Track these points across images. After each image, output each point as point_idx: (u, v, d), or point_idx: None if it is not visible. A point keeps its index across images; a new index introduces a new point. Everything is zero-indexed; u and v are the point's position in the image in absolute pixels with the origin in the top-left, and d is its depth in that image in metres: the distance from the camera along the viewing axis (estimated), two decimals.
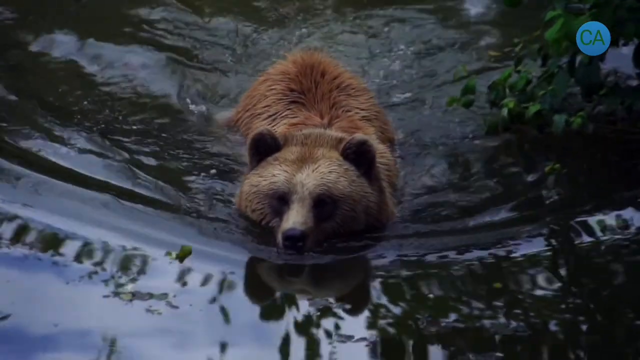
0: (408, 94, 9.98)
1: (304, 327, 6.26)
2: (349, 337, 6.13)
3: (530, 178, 8.25)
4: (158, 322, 6.19)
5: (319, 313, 6.40)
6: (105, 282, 6.53)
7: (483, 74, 10.01)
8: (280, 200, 7.10)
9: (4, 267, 6.65)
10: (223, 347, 6.06)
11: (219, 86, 10.17)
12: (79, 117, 9.12)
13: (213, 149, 8.54)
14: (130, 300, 6.38)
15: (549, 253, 7.11)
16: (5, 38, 10.87)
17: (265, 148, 7.28)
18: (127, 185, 7.83)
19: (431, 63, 10.75)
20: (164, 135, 8.86)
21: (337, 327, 6.26)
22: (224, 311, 6.43)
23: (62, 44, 10.75)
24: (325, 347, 6.05)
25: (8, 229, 7.03)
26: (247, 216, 7.35)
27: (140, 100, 9.65)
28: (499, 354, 5.95)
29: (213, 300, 6.50)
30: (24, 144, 8.34)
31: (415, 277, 6.82)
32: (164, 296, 6.41)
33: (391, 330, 6.25)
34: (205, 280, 6.70)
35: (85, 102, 9.45)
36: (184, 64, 10.60)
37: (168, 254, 6.91)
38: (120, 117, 9.18)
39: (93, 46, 10.70)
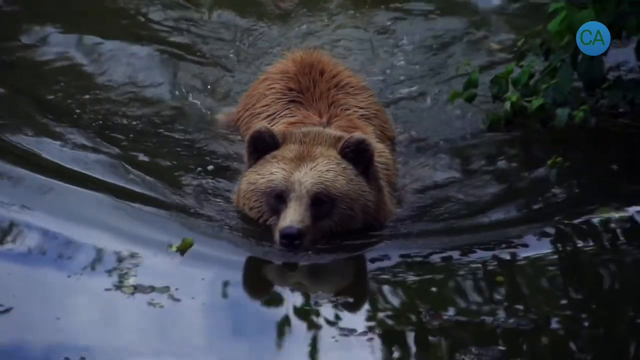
0: (412, 89, 9.95)
1: (306, 320, 6.26)
2: (352, 331, 6.13)
3: (532, 173, 8.24)
4: (160, 315, 6.19)
5: (321, 307, 6.40)
6: (107, 275, 6.52)
7: (489, 69, 9.96)
8: (278, 199, 7.08)
9: (6, 260, 6.65)
10: (225, 340, 6.06)
11: (219, 83, 10.13)
12: (76, 114, 9.07)
13: (213, 148, 8.51)
14: (132, 294, 6.38)
15: (551, 248, 7.09)
16: None
17: (263, 146, 7.26)
18: (124, 182, 7.80)
19: (437, 58, 10.71)
20: (162, 133, 8.83)
21: (339, 321, 6.26)
22: (225, 305, 6.43)
23: (58, 39, 10.68)
24: (327, 341, 6.05)
25: (9, 224, 7.02)
26: (245, 214, 7.33)
27: (138, 97, 9.59)
28: (501, 348, 5.95)
29: (215, 293, 6.50)
30: (22, 141, 8.31)
31: (418, 271, 6.82)
32: (165, 289, 6.41)
33: (393, 324, 6.24)
34: (207, 274, 6.69)
35: (82, 99, 9.39)
36: (184, 59, 10.54)
37: (169, 246, 6.91)
38: (118, 114, 9.14)
39: (90, 41, 10.64)
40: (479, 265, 6.85)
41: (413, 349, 5.99)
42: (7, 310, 6.11)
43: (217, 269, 6.78)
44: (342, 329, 6.15)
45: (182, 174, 7.99)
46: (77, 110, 9.14)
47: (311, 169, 7.10)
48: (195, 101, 9.61)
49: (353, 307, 6.40)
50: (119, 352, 5.88)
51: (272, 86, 8.33)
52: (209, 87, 10.00)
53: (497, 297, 6.50)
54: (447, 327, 6.15)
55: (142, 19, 11.46)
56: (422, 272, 6.79)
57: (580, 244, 7.13)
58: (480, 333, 6.12)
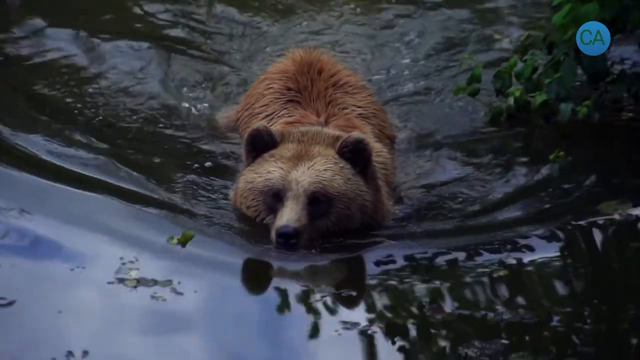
0: (417, 85, 9.93)
1: (309, 314, 6.26)
2: (354, 324, 6.12)
3: (535, 168, 8.23)
4: (162, 308, 6.19)
5: (324, 300, 6.39)
6: (110, 268, 6.52)
7: (495, 66, 9.91)
8: (275, 197, 7.06)
9: (9, 253, 6.65)
10: (227, 333, 6.06)
11: (220, 81, 10.09)
12: (73, 111, 9.05)
13: (212, 146, 8.49)
14: (135, 287, 6.38)
15: (554, 244, 7.08)
16: None
17: (261, 144, 7.25)
18: (120, 180, 7.78)
19: (444, 54, 10.68)
20: (160, 132, 8.79)
21: (341, 314, 6.26)
22: (228, 298, 6.43)
23: (54, 34, 10.63)
24: (329, 334, 6.04)
25: (10, 219, 7.03)
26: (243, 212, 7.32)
27: (136, 94, 9.53)
28: (504, 342, 5.94)
29: (217, 287, 6.50)
30: (20, 139, 8.29)
31: (421, 267, 6.82)
32: (168, 283, 6.41)
33: (396, 317, 6.24)
34: (210, 268, 6.69)
35: (79, 96, 9.36)
36: (185, 55, 10.50)
37: (170, 238, 6.91)
38: (116, 112, 9.09)
39: (87, 37, 10.59)
40: (483, 261, 6.84)
41: (416, 342, 5.99)
42: (10, 304, 6.11)
43: (219, 263, 6.78)
44: (344, 322, 6.14)
45: (181, 173, 7.96)
46: (75, 108, 9.11)
47: (309, 168, 7.08)
48: (195, 100, 9.57)
49: (355, 301, 6.40)
50: (122, 345, 5.88)
51: (270, 86, 8.32)
52: (209, 85, 9.96)
53: (500, 291, 6.49)
54: (449, 321, 6.15)
55: (141, 13, 11.40)
56: (425, 268, 6.79)
57: (582, 240, 7.11)
58: (483, 327, 6.11)
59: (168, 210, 7.35)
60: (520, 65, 8.81)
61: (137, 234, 6.96)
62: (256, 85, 8.59)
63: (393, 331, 6.07)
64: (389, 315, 6.26)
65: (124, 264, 6.58)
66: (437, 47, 10.86)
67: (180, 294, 6.33)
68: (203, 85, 9.92)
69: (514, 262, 6.83)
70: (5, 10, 11.21)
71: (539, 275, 6.68)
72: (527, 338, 6.00)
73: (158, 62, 10.25)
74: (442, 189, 7.92)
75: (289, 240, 6.88)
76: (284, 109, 8.10)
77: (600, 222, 7.33)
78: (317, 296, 6.43)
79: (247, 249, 7.02)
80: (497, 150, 8.62)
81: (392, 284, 6.59)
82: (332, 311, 6.31)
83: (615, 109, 8.75)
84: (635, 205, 7.44)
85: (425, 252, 6.93)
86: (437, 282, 6.59)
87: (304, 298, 6.41)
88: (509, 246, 7.00)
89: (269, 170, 7.12)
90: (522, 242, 7.07)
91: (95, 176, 7.78)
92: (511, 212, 7.59)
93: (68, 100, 9.32)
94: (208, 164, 8.15)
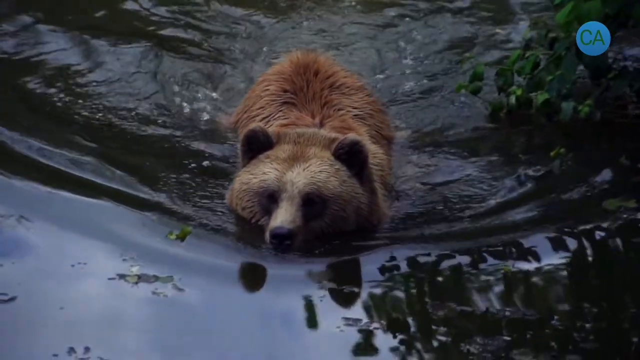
0: (418, 85, 9.91)
1: (311, 310, 6.25)
2: (357, 321, 6.12)
3: (537, 166, 8.21)
4: (163, 304, 6.19)
5: (326, 297, 6.39)
6: (111, 264, 6.52)
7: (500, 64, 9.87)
8: (270, 199, 7.05)
9: (10, 249, 6.65)
10: (228, 330, 6.06)
11: (221, 81, 10.05)
12: (66, 110, 9.01)
13: (211, 148, 8.46)
14: (136, 283, 6.38)
15: (557, 241, 7.07)
16: None
17: (257, 145, 7.23)
18: (113, 183, 7.77)
19: (448, 54, 10.65)
20: (159, 132, 8.77)
21: (344, 311, 6.25)
22: (229, 294, 6.43)
23: (47, 33, 10.55)
24: (332, 331, 6.04)
25: (12, 213, 7.03)
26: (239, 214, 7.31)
27: (134, 95, 9.48)
28: (506, 338, 5.94)
29: (218, 283, 6.50)
30: (14, 140, 8.27)
31: (423, 262, 6.80)
32: (169, 279, 6.41)
33: (399, 314, 6.23)
34: (211, 263, 6.69)
35: (74, 96, 9.30)
36: (186, 54, 10.44)
37: (169, 234, 6.91)
38: (112, 112, 9.04)
39: (80, 36, 10.49)
40: (486, 259, 6.84)
41: (418, 339, 5.98)
42: (12, 299, 6.12)
43: (221, 259, 6.78)
44: (346, 318, 6.14)
45: (182, 173, 7.94)
46: (67, 106, 9.05)
47: (304, 169, 7.06)
48: (195, 100, 9.52)
49: (357, 297, 6.40)
50: (123, 341, 5.88)
51: (267, 88, 8.30)
52: (209, 84, 9.91)
53: (502, 288, 6.48)
54: (451, 317, 6.14)
55: (136, 10, 11.29)
56: (427, 267, 6.77)
57: (584, 238, 7.10)
58: (485, 323, 6.11)
59: (166, 210, 7.33)
60: (522, 61, 8.80)
61: (139, 231, 6.96)
62: (255, 87, 8.58)
63: (395, 327, 6.07)
64: (390, 311, 6.25)
65: (125, 260, 6.58)
66: (444, 46, 10.83)
67: (181, 290, 6.33)
68: (202, 85, 9.87)
69: (516, 260, 6.82)
70: None
71: (540, 273, 6.67)
72: (528, 335, 6.00)
73: (155, 60, 10.18)
74: (444, 188, 7.91)
75: (283, 242, 6.85)
76: (280, 111, 8.08)
77: (603, 220, 7.33)
78: (319, 293, 6.43)
79: (249, 248, 7.01)
80: (499, 149, 8.62)
81: (394, 282, 6.59)
82: (333, 308, 6.30)
83: (617, 106, 8.74)
84: (638, 202, 7.44)
85: (429, 254, 6.91)
86: (439, 279, 6.59)
87: (306, 295, 6.41)
88: (511, 245, 7.00)
89: (264, 172, 7.10)
90: (524, 240, 7.06)
91: (88, 178, 7.75)
92: (514, 211, 7.58)
93: (60, 98, 9.25)
94: (206, 163, 8.13)
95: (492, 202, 7.71)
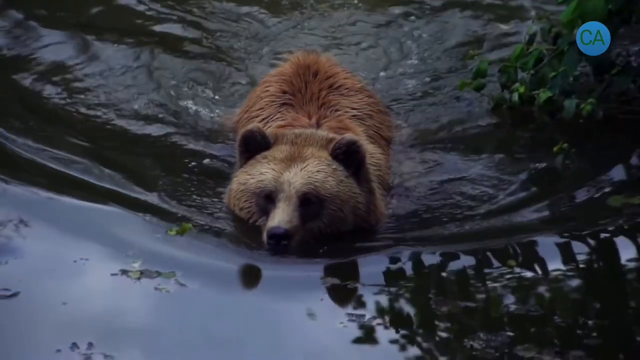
0: (421, 84, 9.90)
1: (315, 306, 6.25)
2: (360, 317, 6.11)
3: (541, 162, 8.21)
4: (166, 300, 6.19)
5: (329, 292, 6.38)
6: (113, 260, 6.52)
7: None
8: (267, 199, 7.03)
9: (13, 244, 6.66)
10: (231, 325, 6.05)
11: (223, 78, 10.02)
12: (61, 109, 8.99)
13: (215, 150, 8.46)
14: (138, 279, 6.38)
15: (561, 235, 7.06)
16: None
17: (254, 145, 7.22)
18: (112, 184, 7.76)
19: (455, 52, 10.63)
20: (159, 133, 8.75)
21: (347, 306, 6.25)
22: (232, 290, 6.43)
23: (41, 30, 10.45)
24: (335, 327, 6.03)
25: (14, 208, 7.03)
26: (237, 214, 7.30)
27: (132, 94, 9.44)
28: (510, 334, 5.93)
29: (220, 278, 6.49)
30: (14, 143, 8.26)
31: (427, 259, 6.80)
32: (171, 274, 6.40)
33: (402, 309, 6.23)
34: (214, 259, 6.69)
35: (71, 96, 9.26)
36: (187, 53, 10.39)
37: (169, 230, 6.92)
38: (110, 113, 9.03)
39: (75, 33, 10.42)
40: (491, 249, 6.83)
41: (421, 335, 5.98)
42: (14, 295, 6.12)
43: (222, 254, 6.78)
44: (349, 314, 6.13)
45: (181, 174, 7.93)
46: (64, 106, 9.04)
47: (301, 169, 7.05)
48: (196, 100, 9.50)
49: (360, 293, 6.39)
50: (126, 337, 5.88)
51: (267, 89, 8.29)
52: (210, 84, 9.87)
53: (506, 284, 6.47)
54: (455, 313, 6.14)
55: (133, 7, 11.22)
56: (431, 261, 6.77)
57: (588, 234, 7.09)
58: (488, 319, 6.10)
59: (166, 209, 7.33)
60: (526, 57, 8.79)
61: (141, 226, 6.96)
62: (256, 88, 8.58)
63: (398, 323, 6.06)
64: (393, 307, 6.25)
65: (127, 255, 6.58)
66: (451, 44, 10.80)
67: (184, 285, 6.32)
68: (202, 84, 9.83)
69: (519, 256, 6.82)
70: None
71: (543, 269, 6.66)
72: (532, 330, 5.99)
73: (155, 59, 10.13)
74: (447, 187, 7.90)
75: (280, 242, 6.83)
76: (279, 112, 8.07)
77: (607, 216, 7.32)
78: (322, 288, 6.42)
79: (249, 246, 7.00)
80: (502, 146, 8.60)
81: (398, 278, 6.59)
82: (337, 303, 6.30)
83: (621, 102, 8.73)
84: None
85: (433, 252, 6.90)
86: (444, 275, 6.58)
87: (308, 291, 6.41)
88: (514, 242, 6.99)
89: (261, 172, 7.09)
90: (528, 237, 7.05)
91: (88, 179, 7.75)
92: (517, 207, 7.58)
93: (54, 96, 9.21)
94: (206, 161, 8.13)
95: (496, 200, 7.70)
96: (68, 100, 9.17)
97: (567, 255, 6.83)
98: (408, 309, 6.24)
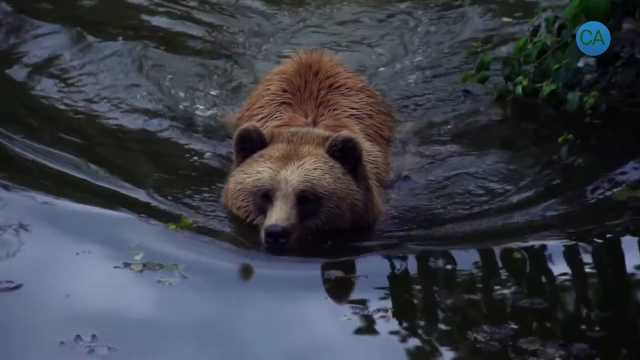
0: (424, 78, 9.88)
1: (319, 298, 6.25)
2: (364, 309, 6.11)
3: (545, 154, 8.20)
4: (168, 292, 6.18)
5: (333, 284, 6.37)
6: (116, 253, 6.52)
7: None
8: (265, 198, 7.01)
9: (15, 237, 6.65)
10: (234, 317, 6.05)
11: (225, 76, 9.99)
12: (59, 110, 8.97)
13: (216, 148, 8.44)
14: (141, 271, 6.38)
15: (564, 229, 7.06)
16: None
17: (250, 144, 7.21)
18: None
19: (460, 47, 10.61)
20: (158, 133, 8.73)
21: (352, 298, 6.24)
22: (234, 283, 6.43)
23: (45, 34, 10.46)
24: (339, 319, 6.03)
25: (16, 204, 7.03)
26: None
27: (130, 94, 9.42)
28: (513, 327, 5.93)
29: (223, 271, 6.49)
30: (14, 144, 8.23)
31: (430, 253, 6.79)
32: (174, 267, 6.40)
33: (406, 301, 6.22)
34: (216, 252, 6.68)
35: (66, 93, 9.23)
36: (187, 52, 10.36)
37: (169, 225, 6.93)
38: (109, 114, 9.00)
39: (72, 29, 10.34)
40: (496, 243, 6.83)
41: (425, 327, 5.97)
42: (17, 287, 6.12)
43: (226, 247, 6.78)
44: (354, 307, 6.13)
45: (181, 175, 7.92)
46: (62, 106, 9.03)
47: (298, 167, 7.04)
48: (197, 100, 9.48)
49: (365, 285, 6.38)
50: (129, 329, 5.88)
51: (268, 87, 8.28)
52: (212, 82, 9.85)
53: (510, 277, 6.47)
54: (459, 306, 6.13)
55: (132, 4, 11.22)
56: (435, 255, 6.77)
57: (592, 227, 7.10)
58: (492, 311, 6.10)
59: (167, 208, 7.32)
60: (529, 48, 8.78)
61: (144, 218, 6.97)
62: (258, 86, 8.57)
63: (402, 316, 6.06)
64: (398, 300, 6.24)
65: (130, 248, 6.58)
66: (457, 39, 10.78)
67: (186, 278, 6.32)
68: (202, 80, 9.80)
69: (524, 248, 6.81)
70: None
71: (548, 262, 6.66)
72: (535, 323, 5.98)
73: (155, 57, 10.10)
74: (450, 182, 7.89)
75: (277, 240, 6.80)
76: (278, 111, 8.06)
77: (611, 209, 7.32)
78: (325, 281, 6.42)
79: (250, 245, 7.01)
80: (507, 140, 8.60)
81: (402, 271, 6.58)
82: (341, 296, 6.29)
83: (626, 94, 8.72)
84: None
85: (438, 248, 6.90)
86: (449, 267, 6.58)
87: (312, 283, 6.41)
88: (519, 236, 6.99)
89: (258, 171, 7.08)
90: (532, 231, 7.06)
91: (88, 179, 7.74)
92: (521, 200, 7.58)
93: (49, 93, 9.17)
94: (207, 159, 8.12)
95: (500, 195, 7.69)
96: (62, 95, 9.15)
97: (571, 248, 6.83)
98: (412, 301, 6.23)
